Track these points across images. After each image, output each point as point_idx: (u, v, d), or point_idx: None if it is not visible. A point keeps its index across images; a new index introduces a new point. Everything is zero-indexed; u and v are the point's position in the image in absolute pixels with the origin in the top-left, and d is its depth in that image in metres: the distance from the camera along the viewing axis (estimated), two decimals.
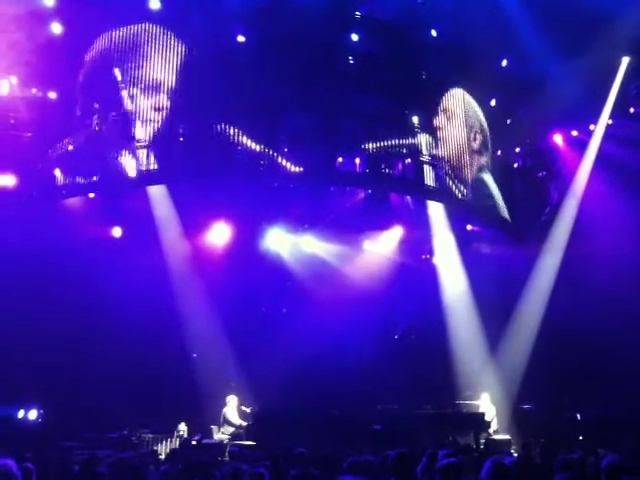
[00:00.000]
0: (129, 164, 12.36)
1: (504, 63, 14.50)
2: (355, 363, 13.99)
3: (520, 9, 12.46)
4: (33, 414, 12.70)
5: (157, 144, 12.41)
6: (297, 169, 12.57)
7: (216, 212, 14.40)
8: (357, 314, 14.50)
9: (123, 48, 12.74)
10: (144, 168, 12.29)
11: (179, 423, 12.65)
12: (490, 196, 14.49)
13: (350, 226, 15.13)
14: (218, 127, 12.34)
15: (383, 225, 15.71)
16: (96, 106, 12.92)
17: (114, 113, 12.67)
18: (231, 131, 12.27)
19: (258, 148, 12.31)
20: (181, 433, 12.54)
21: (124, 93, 12.59)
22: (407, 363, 14.78)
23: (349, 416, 12.49)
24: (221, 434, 12.14)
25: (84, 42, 13.09)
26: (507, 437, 12.39)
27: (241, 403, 12.50)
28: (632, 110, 15.20)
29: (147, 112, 12.54)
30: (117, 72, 12.69)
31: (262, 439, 11.23)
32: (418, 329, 16.00)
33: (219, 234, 14.83)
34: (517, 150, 16.58)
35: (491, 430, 12.64)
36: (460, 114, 14.11)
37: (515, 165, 16.62)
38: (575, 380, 13.67)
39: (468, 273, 15.36)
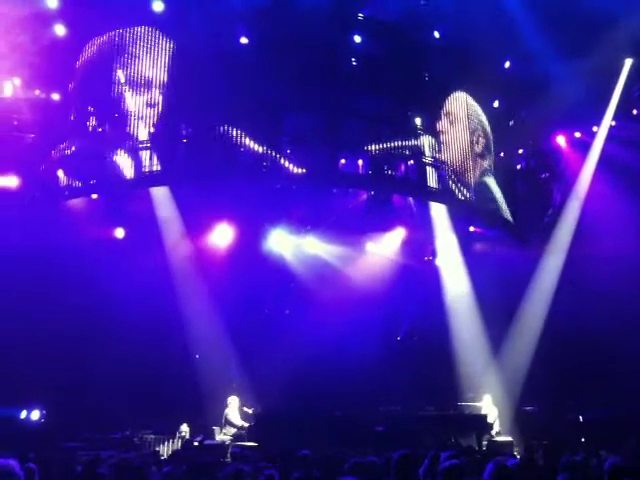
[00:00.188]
0: (129, 165, 12.36)
1: (507, 65, 14.44)
2: (357, 364, 13.97)
3: (523, 10, 12.43)
4: (36, 414, 12.71)
5: (160, 145, 12.42)
6: (300, 170, 12.55)
7: (219, 213, 14.42)
8: (359, 315, 14.51)
9: (123, 49, 12.74)
10: (147, 169, 12.29)
11: (181, 424, 12.69)
12: (493, 200, 14.44)
13: (353, 227, 15.13)
14: (221, 129, 12.34)
15: (386, 226, 15.70)
16: (91, 109, 12.94)
17: (114, 114, 12.69)
18: (234, 133, 12.27)
19: (261, 149, 12.30)
20: (183, 434, 12.56)
21: (125, 94, 12.60)
22: (409, 364, 14.75)
23: (351, 417, 12.50)
24: (223, 435, 12.13)
25: (87, 44, 13.11)
26: (509, 439, 12.35)
27: (243, 404, 12.51)
28: (635, 112, 15.22)
29: (148, 113, 12.55)
30: (119, 73, 12.69)
31: (264, 440, 11.24)
32: (420, 330, 16.00)
33: (222, 235, 14.85)
34: (520, 151, 16.51)
35: (493, 432, 12.60)
36: (463, 118, 14.05)
37: (518, 166, 16.56)
38: (578, 381, 13.65)
39: (470, 274, 15.33)
